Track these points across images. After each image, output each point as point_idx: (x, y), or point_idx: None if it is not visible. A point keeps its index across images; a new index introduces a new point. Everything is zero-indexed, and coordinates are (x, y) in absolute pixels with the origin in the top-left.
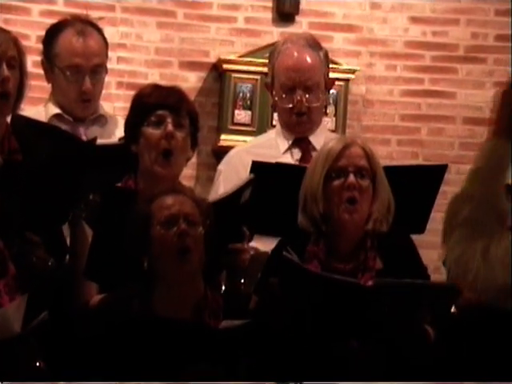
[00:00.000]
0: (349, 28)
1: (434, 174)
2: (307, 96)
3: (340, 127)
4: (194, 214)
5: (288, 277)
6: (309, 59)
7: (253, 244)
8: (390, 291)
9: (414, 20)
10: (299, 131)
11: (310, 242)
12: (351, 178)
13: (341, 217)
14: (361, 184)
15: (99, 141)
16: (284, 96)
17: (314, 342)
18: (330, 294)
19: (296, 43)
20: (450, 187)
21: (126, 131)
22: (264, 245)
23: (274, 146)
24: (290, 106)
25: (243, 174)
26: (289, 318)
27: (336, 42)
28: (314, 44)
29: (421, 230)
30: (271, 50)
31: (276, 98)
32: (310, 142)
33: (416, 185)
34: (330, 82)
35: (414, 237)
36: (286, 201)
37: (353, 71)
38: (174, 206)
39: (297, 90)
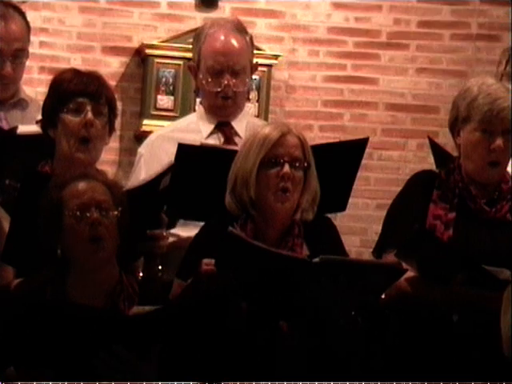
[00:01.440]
0: (271, 14)
1: (355, 149)
2: (234, 80)
3: (263, 113)
4: (107, 201)
5: (233, 252)
6: (236, 43)
7: (174, 231)
8: (336, 268)
9: (337, 6)
10: (223, 115)
11: (236, 224)
12: (286, 168)
13: (273, 205)
14: (294, 175)
15: (20, 127)
16: (210, 80)
17: (248, 321)
18: (275, 270)
19: (223, 27)
20: (373, 173)
21: (43, 115)
22: (184, 232)
23: (197, 131)
24: (218, 89)
25: (164, 158)
26: (225, 298)
27: (259, 28)
28: (240, 28)
29: (343, 207)
30: (197, 34)
31: (202, 82)
32: (232, 127)
33: (338, 161)
34: (254, 67)
35: (336, 222)
36: (212, 184)
37: (275, 57)
38: (86, 193)
39: (225, 74)
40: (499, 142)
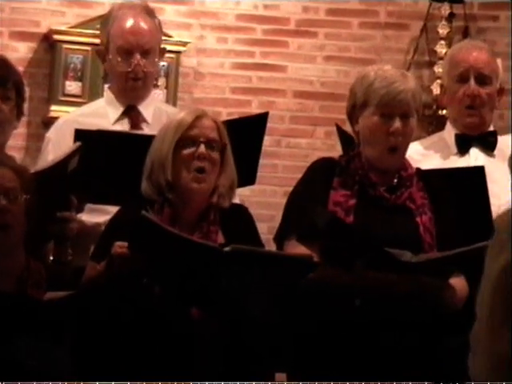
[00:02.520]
0: (180, 0)
1: (258, 122)
2: (144, 60)
3: (171, 99)
4: (15, 188)
5: (145, 236)
6: (145, 24)
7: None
8: (247, 258)
9: None
10: (133, 97)
11: (152, 210)
12: (202, 148)
13: (188, 185)
14: (211, 155)
15: None
16: (120, 60)
17: (160, 306)
18: (188, 256)
19: (132, 9)
20: (281, 161)
21: None
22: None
23: (104, 116)
24: (128, 69)
25: (71, 143)
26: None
27: (167, 14)
28: (149, 11)
29: (252, 181)
30: (105, 17)
31: (112, 63)
32: (139, 113)
33: (243, 136)
34: (162, 52)
35: None
36: (118, 168)
37: (184, 44)
38: None
39: (134, 54)
40: (397, 124)
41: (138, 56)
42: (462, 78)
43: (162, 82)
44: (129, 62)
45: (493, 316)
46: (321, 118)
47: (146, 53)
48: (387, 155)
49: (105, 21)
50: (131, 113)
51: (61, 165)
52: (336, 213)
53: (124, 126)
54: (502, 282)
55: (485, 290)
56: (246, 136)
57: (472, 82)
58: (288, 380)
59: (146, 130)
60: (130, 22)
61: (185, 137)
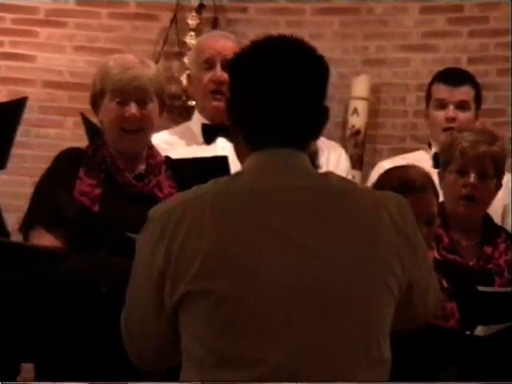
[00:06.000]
0: None
1: (15, 107)
2: None
3: None
4: None
5: None
6: None
7: None
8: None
9: None
10: None
11: None
12: None
13: None
14: None
15: None
16: None
17: None
18: None
19: None
20: (30, 151)
21: None
22: None
23: None
24: None
25: None
26: None
27: None
28: None
29: (2, 166)
30: None
31: None
32: None
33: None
34: None
35: None
36: None
37: None
38: None
39: None
40: (133, 110)
41: None
42: (208, 65)
43: None
44: None
45: None
46: (70, 108)
47: None
48: (126, 138)
49: None
50: None
51: None
52: (82, 203)
53: None
54: None
55: None
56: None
57: (218, 68)
58: (36, 370)
59: None
60: None
61: None
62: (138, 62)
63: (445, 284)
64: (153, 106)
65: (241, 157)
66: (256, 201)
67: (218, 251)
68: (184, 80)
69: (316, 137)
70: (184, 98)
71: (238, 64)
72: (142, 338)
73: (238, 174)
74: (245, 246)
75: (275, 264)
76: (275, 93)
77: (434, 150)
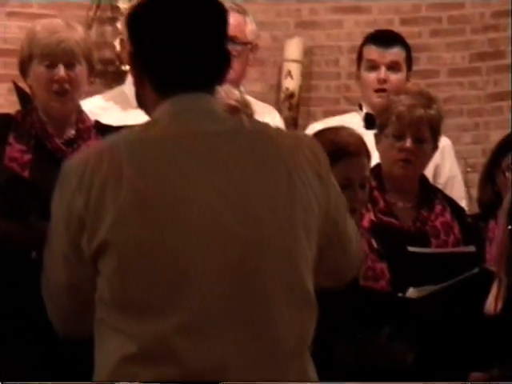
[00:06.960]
0: None
1: None
2: None
3: None
4: None
5: None
6: None
7: None
8: None
9: None
10: None
11: None
12: None
13: None
14: None
15: None
16: None
17: None
18: None
19: None
20: None
21: None
22: None
23: None
24: None
25: None
26: None
27: None
28: None
29: None
30: None
31: None
32: None
33: None
34: None
35: None
36: None
37: None
38: None
39: None
40: (62, 73)
41: None
42: None
43: None
44: None
45: None
46: (3, 74)
47: None
48: (55, 101)
49: None
50: None
51: None
52: (12, 168)
53: None
54: None
55: None
56: None
57: None
58: None
59: None
60: None
61: None
62: (65, 25)
63: (375, 245)
64: (81, 69)
65: (148, 106)
66: (172, 147)
67: (137, 199)
68: (117, 45)
69: (221, 81)
70: (117, 63)
71: (136, 15)
72: (62, 292)
73: (151, 121)
74: (162, 193)
75: (194, 211)
76: (177, 39)
77: (365, 111)
